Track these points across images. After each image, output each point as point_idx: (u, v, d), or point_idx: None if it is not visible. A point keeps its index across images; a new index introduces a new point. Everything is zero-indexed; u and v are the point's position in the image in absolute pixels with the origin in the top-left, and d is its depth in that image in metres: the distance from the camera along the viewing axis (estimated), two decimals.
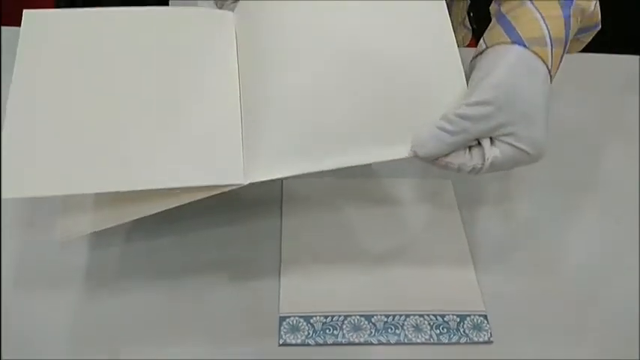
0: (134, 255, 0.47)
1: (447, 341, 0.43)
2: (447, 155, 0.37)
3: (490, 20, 0.43)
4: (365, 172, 0.54)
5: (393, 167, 0.55)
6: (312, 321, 0.44)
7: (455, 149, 0.37)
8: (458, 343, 0.43)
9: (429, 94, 0.39)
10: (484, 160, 0.37)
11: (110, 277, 0.46)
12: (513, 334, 0.44)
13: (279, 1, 0.42)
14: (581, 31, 0.43)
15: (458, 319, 0.44)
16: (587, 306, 0.47)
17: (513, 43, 0.38)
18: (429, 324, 0.44)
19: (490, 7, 0.43)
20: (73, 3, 1.12)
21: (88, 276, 0.46)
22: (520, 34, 0.38)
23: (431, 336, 0.43)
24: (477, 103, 0.36)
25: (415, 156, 0.38)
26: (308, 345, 0.43)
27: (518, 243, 0.50)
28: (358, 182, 0.53)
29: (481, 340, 0.44)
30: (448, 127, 0.36)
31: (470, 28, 0.71)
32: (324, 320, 0.44)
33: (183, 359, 0.42)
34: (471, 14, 0.73)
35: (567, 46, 0.40)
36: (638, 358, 0.44)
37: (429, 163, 0.38)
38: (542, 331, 0.45)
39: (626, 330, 0.45)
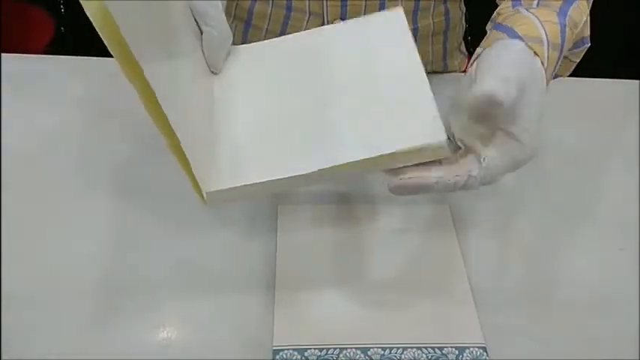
0: (131, 264, 0.47)
1: None
2: (436, 170, 0.36)
3: None
4: (360, 198, 0.54)
5: (390, 194, 0.54)
6: (306, 354, 0.43)
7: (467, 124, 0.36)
8: None
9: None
10: (479, 163, 0.35)
11: (109, 288, 0.45)
12: None
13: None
14: (573, 46, 0.43)
15: (457, 352, 0.43)
16: (588, 334, 0.45)
17: (513, 37, 0.37)
18: (427, 357, 0.43)
19: (487, 27, 0.43)
20: (71, 25, 1.13)
21: (90, 282, 0.45)
22: (518, 32, 0.37)
23: None
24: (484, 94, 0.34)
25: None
26: None
27: (518, 270, 0.49)
28: (353, 208, 0.53)
29: None
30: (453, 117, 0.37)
31: (466, 53, 0.72)
32: (319, 353, 0.43)
33: None
34: (469, 39, 0.73)
35: (562, 55, 0.39)
36: (638, 358, 0.43)
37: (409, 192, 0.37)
38: None
39: (630, 355, 0.44)
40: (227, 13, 0.63)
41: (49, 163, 0.55)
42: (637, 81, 0.68)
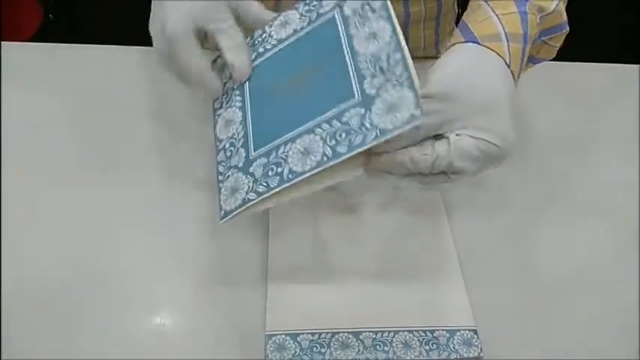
0: (128, 267, 0.46)
1: (436, 357, 0.43)
2: (405, 149, 0.38)
3: None
4: (352, 185, 0.54)
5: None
6: (298, 339, 0.43)
7: (410, 142, 0.38)
8: (448, 359, 0.43)
9: None
10: (448, 145, 0.37)
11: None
12: (504, 349, 0.44)
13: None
14: (547, 32, 0.43)
15: (447, 335, 0.44)
16: (577, 315, 0.46)
17: (467, 42, 0.39)
18: (419, 340, 0.43)
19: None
20: (59, 13, 1.11)
21: (86, 278, 0.45)
22: (474, 32, 0.39)
23: (420, 352, 0.43)
24: (428, 95, 0.37)
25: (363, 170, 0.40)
26: None
27: (508, 255, 0.50)
28: (345, 195, 0.53)
29: (471, 355, 0.43)
30: None
31: None
32: (312, 338, 0.43)
33: None
34: None
35: (530, 41, 0.40)
36: (638, 358, 0.43)
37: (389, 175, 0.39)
38: (533, 346, 0.44)
39: (620, 343, 0.45)
40: None
41: (37, 151, 0.54)
42: (633, 66, 0.68)
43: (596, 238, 0.51)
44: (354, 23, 0.42)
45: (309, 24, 0.45)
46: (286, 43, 0.46)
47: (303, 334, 0.43)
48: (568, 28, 0.44)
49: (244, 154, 0.43)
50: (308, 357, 0.42)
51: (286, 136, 0.41)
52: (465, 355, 0.43)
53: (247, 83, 0.46)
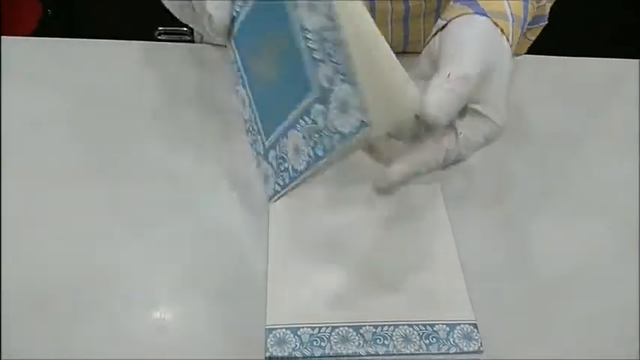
0: (128, 262, 0.46)
1: (436, 351, 0.43)
2: (412, 153, 0.37)
3: None
4: (352, 178, 0.54)
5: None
6: (299, 333, 0.43)
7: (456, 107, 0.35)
8: (447, 353, 0.43)
9: None
10: (456, 138, 0.36)
11: (102, 288, 0.45)
12: (504, 343, 0.44)
13: None
14: (531, 22, 0.43)
15: (447, 329, 0.44)
16: (581, 314, 0.46)
17: (475, 13, 0.36)
18: (419, 334, 0.43)
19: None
20: (59, 9, 1.11)
21: (85, 277, 0.45)
22: (483, 7, 0.37)
23: (420, 346, 0.43)
24: (465, 77, 0.34)
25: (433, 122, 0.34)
26: (295, 357, 0.42)
27: (508, 249, 0.50)
28: (345, 189, 0.53)
29: (471, 349, 0.43)
30: (452, 85, 0.34)
31: None
32: (312, 332, 0.43)
33: None
34: None
35: (524, 30, 0.39)
36: (638, 358, 0.43)
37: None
38: (533, 341, 0.44)
39: (625, 342, 0.45)
40: None
41: (36, 147, 0.54)
42: (632, 60, 0.68)
43: (596, 235, 0.51)
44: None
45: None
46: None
47: (303, 328, 0.43)
48: (547, 21, 0.44)
49: (261, 142, 0.41)
50: (308, 351, 0.42)
51: (280, 127, 0.37)
52: (465, 349, 0.43)
53: (237, 54, 0.41)
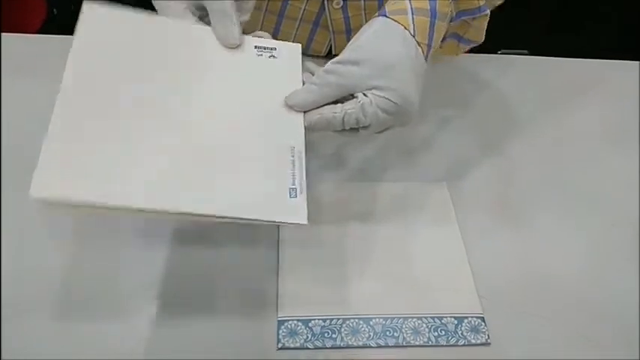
0: (131, 261, 0.47)
1: (445, 343, 0.43)
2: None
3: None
4: (361, 176, 0.55)
5: (388, 172, 0.55)
6: (310, 324, 0.44)
7: (324, 101, 0.42)
8: (456, 345, 0.44)
9: None
10: (356, 103, 0.41)
11: (107, 284, 0.45)
12: (511, 335, 0.45)
13: None
14: (465, 13, 0.46)
15: (456, 322, 0.45)
16: (585, 307, 0.47)
17: (378, 16, 0.43)
18: (427, 326, 0.44)
19: None
20: (64, 8, 1.11)
21: (88, 278, 0.45)
22: (386, 9, 0.43)
23: (429, 338, 0.44)
24: (340, 62, 0.42)
25: (289, 106, 0.42)
26: (307, 348, 0.43)
27: (515, 245, 0.51)
28: (354, 186, 0.53)
29: (479, 342, 0.44)
30: (315, 80, 0.42)
31: None
32: (323, 324, 0.44)
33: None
34: None
35: (441, 17, 0.43)
36: (638, 358, 0.44)
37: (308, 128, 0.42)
38: (540, 333, 0.45)
39: (624, 331, 0.46)
40: None
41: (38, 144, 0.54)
42: (633, 62, 0.69)
43: (599, 232, 0.52)
44: None
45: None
46: None
47: (314, 319, 0.44)
48: (489, 12, 0.47)
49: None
50: (320, 342, 0.43)
51: None
52: (473, 342, 0.44)
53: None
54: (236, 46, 0.44)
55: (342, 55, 0.42)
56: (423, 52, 0.43)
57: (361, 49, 0.42)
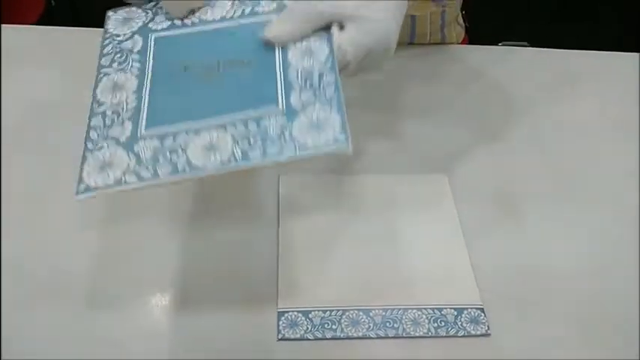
0: (131, 253, 0.47)
1: (444, 334, 0.44)
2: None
3: (483, 18, 0.43)
4: (361, 168, 0.54)
5: (388, 164, 0.55)
6: (310, 316, 0.44)
7: (303, 31, 0.40)
8: (455, 336, 0.44)
9: None
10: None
11: (110, 279, 0.46)
12: (510, 327, 0.45)
13: None
14: None
15: (455, 313, 0.45)
16: (584, 300, 0.47)
17: None
18: (427, 318, 0.44)
19: None
20: (63, 1, 1.11)
21: (89, 278, 0.45)
22: None
23: (429, 329, 0.44)
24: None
25: (266, 40, 0.40)
26: (307, 339, 0.43)
27: (515, 237, 0.51)
28: (354, 179, 0.53)
29: (478, 333, 0.44)
30: (292, 6, 0.40)
31: (463, 25, 0.72)
32: (323, 315, 0.44)
33: (184, 354, 0.42)
34: (464, 12, 0.73)
35: None
36: (638, 358, 0.44)
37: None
38: (539, 325, 0.45)
39: (623, 324, 0.46)
40: None
41: (41, 133, 0.54)
42: (633, 54, 0.68)
43: (600, 225, 0.52)
44: None
45: (241, 16, 0.42)
46: (211, 26, 0.42)
47: (314, 311, 0.44)
48: None
49: (130, 129, 0.38)
50: (320, 333, 0.43)
51: (190, 123, 0.38)
52: (473, 333, 0.44)
53: (153, 50, 0.42)
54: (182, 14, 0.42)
55: None
56: None
57: None
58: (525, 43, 0.81)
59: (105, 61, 0.42)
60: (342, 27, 0.40)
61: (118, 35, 0.43)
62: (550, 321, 0.45)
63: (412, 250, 0.49)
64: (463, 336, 0.44)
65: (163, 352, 0.42)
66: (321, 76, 0.39)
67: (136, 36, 0.43)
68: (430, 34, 0.67)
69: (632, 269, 0.49)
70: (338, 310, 0.44)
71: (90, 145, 0.38)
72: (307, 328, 0.43)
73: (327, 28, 0.40)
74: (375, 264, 0.47)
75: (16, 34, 0.63)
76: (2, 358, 0.40)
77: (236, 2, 0.43)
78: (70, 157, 0.51)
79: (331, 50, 0.39)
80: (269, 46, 0.40)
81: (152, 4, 0.44)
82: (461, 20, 0.72)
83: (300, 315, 0.44)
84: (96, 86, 0.41)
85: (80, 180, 0.36)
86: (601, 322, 0.46)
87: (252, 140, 0.36)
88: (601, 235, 0.52)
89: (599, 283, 0.48)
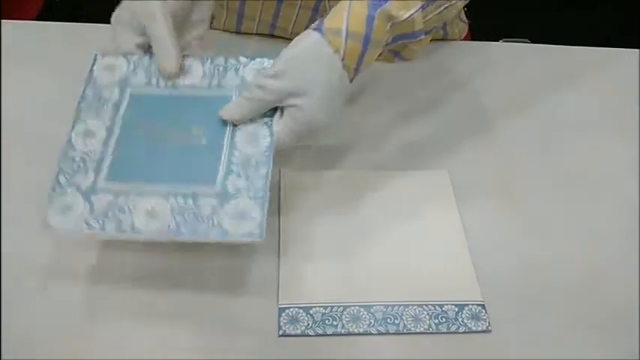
0: (133, 251, 0.47)
1: (445, 330, 0.44)
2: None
3: (485, 14, 0.44)
4: (362, 164, 0.54)
5: (389, 160, 0.55)
6: (311, 312, 0.44)
7: (254, 114, 0.44)
8: (456, 332, 0.44)
9: None
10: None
11: (110, 275, 0.45)
12: (511, 323, 0.45)
13: None
14: (402, 37, 0.46)
15: (456, 309, 0.45)
16: (585, 294, 0.47)
17: (315, 30, 0.43)
18: (428, 314, 0.44)
19: None
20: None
21: (90, 276, 0.45)
22: (324, 23, 0.43)
23: (430, 325, 0.44)
24: (270, 75, 0.43)
25: (223, 120, 0.45)
26: (308, 335, 0.43)
27: (516, 233, 0.51)
28: (355, 174, 0.53)
29: (479, 329, 0.44)
30: (246, 94, 0.44)
31: (466, 21, 0.72)
32: (324, 311, 0.44)
33: (185, 351, 0.41)
34: (466, 8, 0.73)
35: (375, 43, 0.43)
36: (638, 358, 0.44)
37: None
38: (540, 320, 0.45)
39: (625, 318, 0.46)
40: (219, 5, 0.64)
41: (42, 129, 0.54)
42: (633, 50, 0.68)
43: (601, 219, 0.52)
44: None
45: (209, 87, 0.46)
46: (181, 91, 0.46)
47: (315, 307, 0.44)
48: (424, 36, 0.47)
49: (92, 179, 0.42)
50: (320, 329, 0.43)
51: (140, 185, 0.41)
52: (474, 329, 0.44)
53: (125, 105, 0.45)
54: (175, 75, 0.46)
55: (274, 67, 0.43)
56: (349, 75, 0.44)
57: (290, 62, 0.43)
58: (527, 40, 0.80)
59: (84, 104, 0.46)
60: (282, 113, 0.44)
61: (101, 82, 0.47)
62: (551, 317, 0.45)
63: (413, 246, 0.48)
64: (464, 332, 0.44)
65: (162, 349, 0.41)
66: (257, 164, 0.43)
67: (115, 87, 0.46)
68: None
69: (632, 267, 0.49)
70: (339, 306, 0.44)
71: (57, 188, 0.42)
72: (308, 324, 0.43)
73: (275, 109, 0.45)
74: (375, 259, 0.47)
75: (15, 30, 0.63)
76: (2, 358, 0.40)
77: (207, 73, 0.47)
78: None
79: (272, 141, 0.44)
80: (224, 121, 0.44)
81: (136, 56, 0.47)
82: (463, 16, 0.71)
83: (300, 311, 0.44)
84: (72, 128, 0.44)
85: (45, 219, 0.40)
86: (601, 319, 0.46)
87: (186, 216, 0.40)
88: (602, 230, 0.51)
89: (600, 280, 0.48)
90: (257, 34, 0.66)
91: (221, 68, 0.47)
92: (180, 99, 0.46)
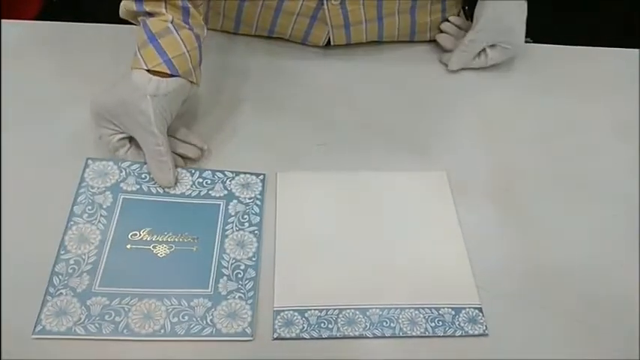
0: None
1: (442, 334, 0.43)
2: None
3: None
4: (359, 165, 0.54)
5: (388, 160, 0.55)
6: (306, 315, 0.43)
7: (470, 57, 0.63)
8: (453, 335, 0.43)
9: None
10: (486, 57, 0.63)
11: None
12: (508, 326, 0.44)
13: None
14: None
15: (453, 313, 0.44)
16: (584, 298, 0.47)
17: None
18: (424, 317, 0.44)
19: None
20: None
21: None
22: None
23: (426, 329, 0.43)
24: (477, 31, 0.60)
25: (450, 69, 0.64)
26: (303, 339, 0.42)
27: (514, 235, 0.50)
28: (352, 175, 0.53)
29: (476, 332, 0.43)
30: (464, 48, 0.62)
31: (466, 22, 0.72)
32: (319, 314, 0.44)
33: (179, 352, 0.41)
34: (466, 8, 0.73)
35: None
36: (638, 358, 0.44)
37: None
38: (538, 324, 0.45)
39: (624, 322, 0.45)
40: (215, 12, 0.63)
41: (42, 129, 0.54)
42: (633, 50, 0.68)
43: (601, 223, 0.52)
44: (232, 223, 0.48)
45: (197, 196, 0.49)
46: (171, 199, 0.48)
47: (310, 310, 0.44)
48: None
49: (87, 283, 0.43)
50: (316, 332, 0.43)
51: (136, 289, 0.43)
52: (471, 332, 0.43)
53: (119, 210, 0.47)
54: (171, 185, 0.49)
55: (476, 27, 0.60)
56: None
57: (488, 20, 0.60)
58: (528, 39, 0.80)
59: (77, 209, 0.47)
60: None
61: (93, 187, 0.48)
62: (549, 320, 0.45)
63: (410, 248, 0.48)
64: (461, 336, 0.43)
65: (158, 351, 0.41)
66: (246, 269, 0.45)
67: (107, 192, 0.48)
68: (430, 30, 0.66)
69: (632, 268, 0.49)
70: (334, 309, 0.44)
71: (51, 290, 0.43)
72: (303, 327, 0.43)
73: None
74: (372, 262, 0.47)
75: (15, 29, 0.63)
76: (2, 358, 0.40)
77: (195, 184, 0.49)
78: (70, 155, 0.52)
79: (259, 247, 0.47)
80: (212, 227, 0.47)
81: (127, 163, 0.50)
82: (462, 16, 0.71)
83: (296, 314, 0.43)
84: (65, 232, 0.46)
85: (38, 321, 0.41)
86: (600, 321, 0.45)
87: (181, 316, 0.42)
88: (602, 234, 0.51)
89: (599, 282, 0.48)
90: (255, 35, 0.65)
91: (209, 181, 0.50)
92: (171, 205, 0.48)
